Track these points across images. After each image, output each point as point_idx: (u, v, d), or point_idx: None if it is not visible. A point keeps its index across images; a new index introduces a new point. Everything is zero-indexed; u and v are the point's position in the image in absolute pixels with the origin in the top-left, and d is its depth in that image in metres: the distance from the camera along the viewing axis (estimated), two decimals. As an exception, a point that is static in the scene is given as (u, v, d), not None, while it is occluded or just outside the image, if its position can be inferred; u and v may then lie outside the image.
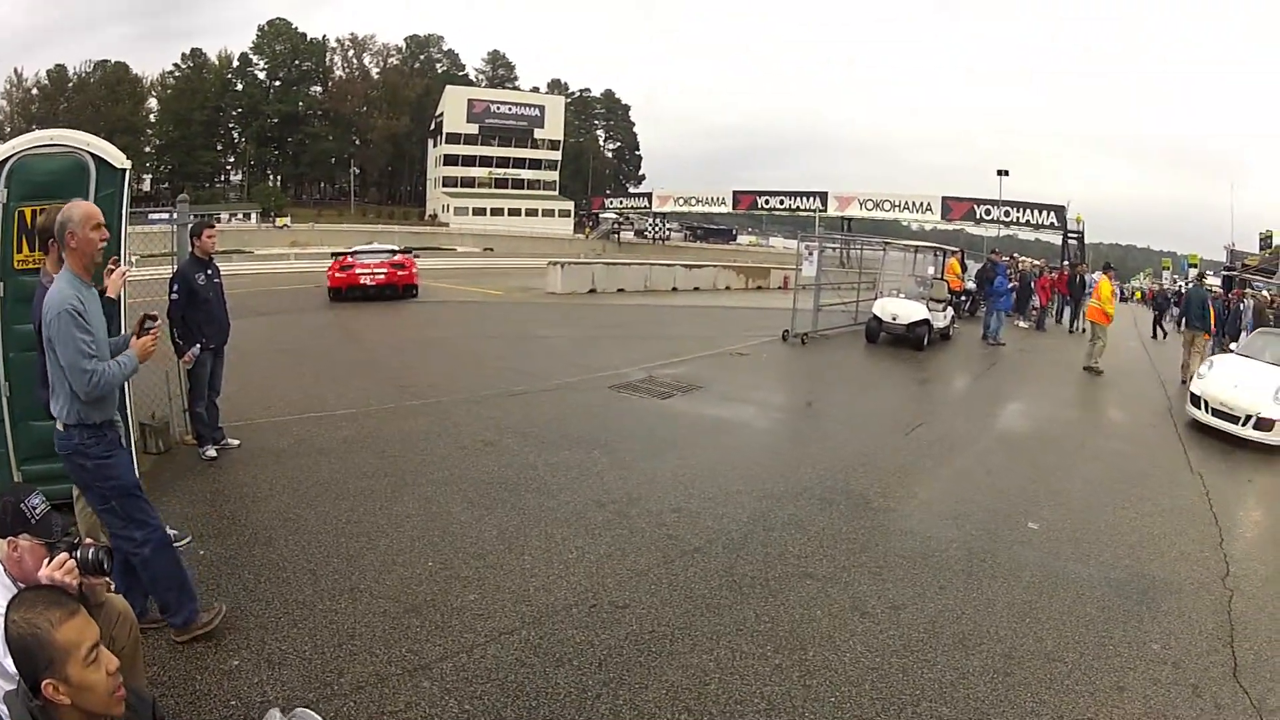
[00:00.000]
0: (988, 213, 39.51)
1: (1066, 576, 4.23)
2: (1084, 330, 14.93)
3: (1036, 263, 20.59)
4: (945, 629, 3.46)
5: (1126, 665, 3.44)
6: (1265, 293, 18.24)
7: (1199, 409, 8.32)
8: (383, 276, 15.02)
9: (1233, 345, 10.87)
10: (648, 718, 2.63)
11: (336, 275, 15.05)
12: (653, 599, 3.46)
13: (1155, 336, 19.42)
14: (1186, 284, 30.70)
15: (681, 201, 52.34)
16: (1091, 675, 3.33)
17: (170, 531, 3.03)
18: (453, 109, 65.79)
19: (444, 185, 65.09)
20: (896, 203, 43.11)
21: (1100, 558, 4.55)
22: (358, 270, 14.99)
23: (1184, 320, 18.36)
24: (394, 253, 16.26)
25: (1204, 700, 3.26)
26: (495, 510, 4.34)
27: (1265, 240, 31.14)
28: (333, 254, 17.11)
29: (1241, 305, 17.34)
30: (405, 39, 76.85)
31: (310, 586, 3.36)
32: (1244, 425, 7.71)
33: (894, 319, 12.21)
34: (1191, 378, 9.32)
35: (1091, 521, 5.04)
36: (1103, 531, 4.91)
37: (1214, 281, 26.07)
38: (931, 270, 15.18)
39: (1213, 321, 13.83)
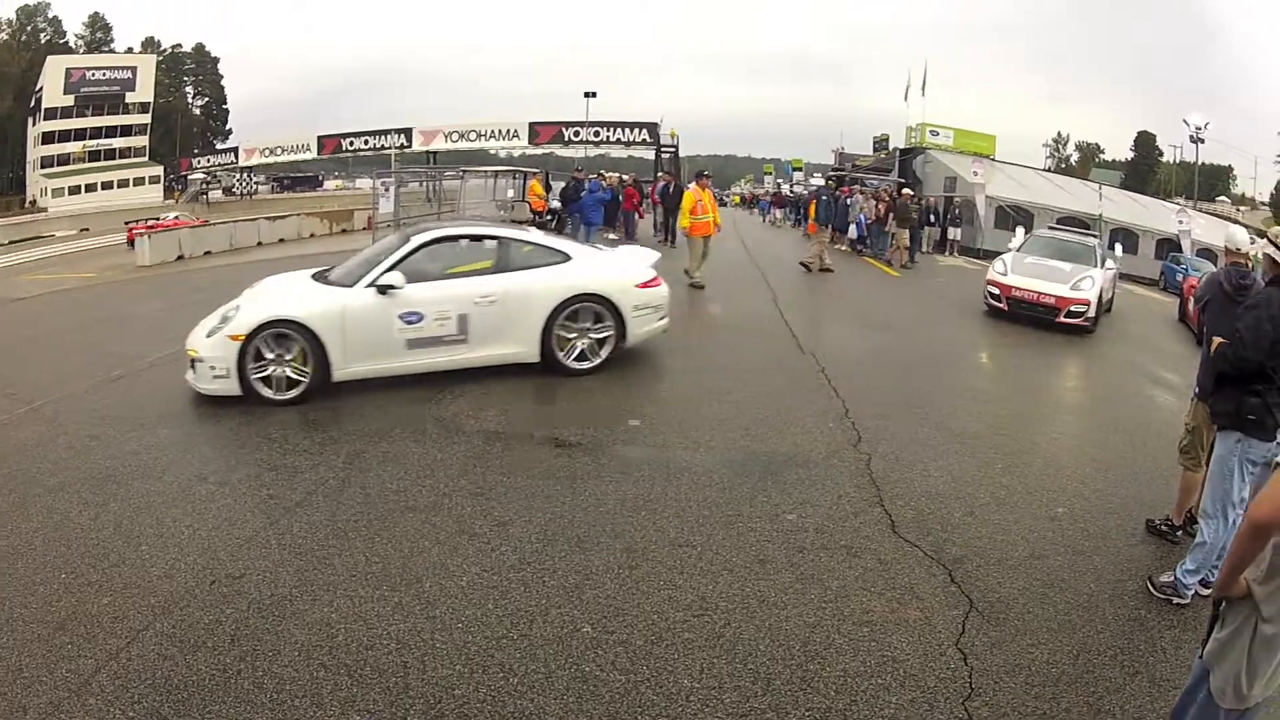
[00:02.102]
0: (576, 134, 41.91)
1: (678, 465, 4.60)
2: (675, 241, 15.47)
3: (625, 177, 22.75)
4: (558, 535, 3.77)
5: (763, 540, 3.70)
6: (907, 190, 20.26)
7: None
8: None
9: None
10: (288, 682, 2.77)
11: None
12: (265, 562, 3.57)
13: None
14: (794, 186, 35.02)
15: (268, 152, 50.67)
16: (726, 554, 3.57)
17: None
18: (52, 81, 54.53)
19: (42, 166, 54.11)
20: (483, 132, 44.29)
21: (710, 444, 5.00)
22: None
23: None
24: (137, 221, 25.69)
25: (864, 559, 3.57)
26: (109, 505, 4.13)
27: (881, 143, 36.26)
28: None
29: (849, 201, 19.72)
30: (16, 10, 61.82)
31: (-27, 628, 3.08)
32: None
33: None
34: None
35: (694, 414, 5.65)
36: (707, 420, 5.48)
37: (820, 182, 28.82)
38: (511, 193, 15.82)
39: (821, 216, 16.32)
